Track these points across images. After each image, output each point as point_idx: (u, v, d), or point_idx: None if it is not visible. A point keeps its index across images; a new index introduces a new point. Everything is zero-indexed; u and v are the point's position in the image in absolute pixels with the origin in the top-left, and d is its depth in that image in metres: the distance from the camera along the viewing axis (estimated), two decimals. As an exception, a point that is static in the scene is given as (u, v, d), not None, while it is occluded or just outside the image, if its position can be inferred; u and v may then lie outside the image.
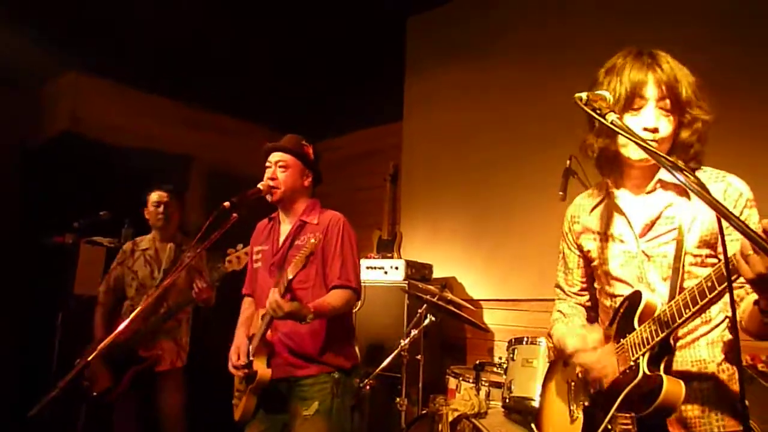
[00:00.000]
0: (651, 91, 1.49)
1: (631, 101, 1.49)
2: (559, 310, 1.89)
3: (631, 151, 1.53)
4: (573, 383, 1.72)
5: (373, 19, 5.05)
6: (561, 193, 3.16)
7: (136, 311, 2.04)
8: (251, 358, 2.38)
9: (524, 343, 3.11)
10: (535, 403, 2.86)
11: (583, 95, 1.26)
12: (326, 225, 2.53)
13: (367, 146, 5.81)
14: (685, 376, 1.46)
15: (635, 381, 1.42)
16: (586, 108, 1.25)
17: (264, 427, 2.43)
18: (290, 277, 2.20)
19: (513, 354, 3.10)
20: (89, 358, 1.81)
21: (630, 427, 1.06)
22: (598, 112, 1.24)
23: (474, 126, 4.80)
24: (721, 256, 1.45)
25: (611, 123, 1.21)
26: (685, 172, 1.08)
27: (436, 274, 4.68)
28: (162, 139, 5.30)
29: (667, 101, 1.50)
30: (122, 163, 4.49)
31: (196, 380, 3.65)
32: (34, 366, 3.72)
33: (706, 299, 1.26)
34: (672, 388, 1.35)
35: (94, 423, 3.34)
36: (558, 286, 1.92)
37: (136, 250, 3.67)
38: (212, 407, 3.24)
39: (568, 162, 3.18)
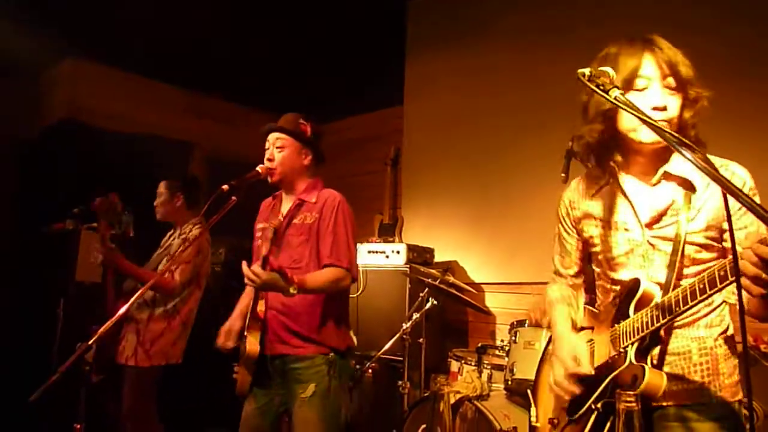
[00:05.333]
0: (653, 71, 1.46)
1: (630, 82, 1.45)
2: (558, 291, 1.86)
3: (642, 134, 1.47)
4: None
5: (374, 3, 5.00)
6: (563, 174, 3.10)
7: (133, 298, 2.03)
8: (245, 334, 2.39)
9: (526, 325, 3.11)
10: (538, 385, 2.89)
11: (586, 71, 1.24)
12: (323, 203, 2.52)
13: (368, 130, 5.78)
14: (685, 351, 1.50)
15: (620, 368, 1.45)
16: (589, 84, 1.22)
17: (261, 402, 2.46)
18: (264, 252, 2.19)
19: (515, 337, 3.11)
20: (89, 342, 1.81)
21: (633, 404, 1.06)
22: (602, 87, 1.22)
23: (475, 109, 4.77)
24: (725, 244, 1.48)
25: (615, 99, 1.18)
26: (696, 153, 1.04)
27: (438, 258, 4.67)
28: (162, 126, 5.28)
29: (671, 79, 1.46)
30: (122, 149, 4.47)
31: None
32: (36, 352, 3.73)
33: (706, 294, 1.25)
34: (653, 379, 1.38)
35: (94, 407, 3.35)
36: (555, 270, 1.90)
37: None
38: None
39: (570, 143, 3.14)
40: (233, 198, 2.27)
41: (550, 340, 1.91)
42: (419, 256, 4.46)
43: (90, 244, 3.66)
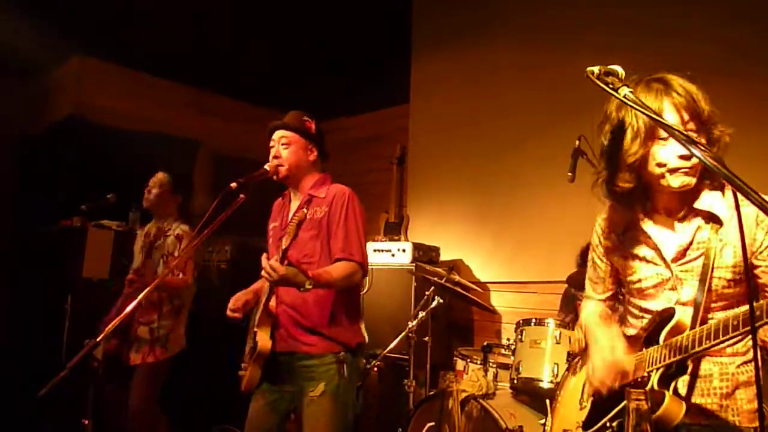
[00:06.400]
0: (674, 118, 1.45)
1: (652, 132, 1.45)
2: (592, 308, 1.86)
3: (672, 181, 1.48)
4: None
5: (379, 2, 4.99)
6: (570, 174, 3.11)
7: (140, 296, 2.02)
8: (255, 329, 2.38)
9: (532, 324, 3.11)
10: (543, 384, 2.89)
11: (595, 69, 1.23)
12: (332, 198, 2.50)
13: (375, 129, 5.78)
14: (707, 374, 1.51)
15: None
16: (598, 82, 1.22)
17: (271, 399, 2.43)
18: (284, 246, 2.18)
19: (521, 335, 3.10)
20: (98, 339, 1.81)
21: (643, 401, 1.06)
22: (610, 86, 1.22)
23: (481, 109, 4.76)
24: (759, 281, 1.48)
25: (624, 97, 1.18)
26: (705, 152, 1.04)
27: (443, 256, 4.67)
28: (168, 123, 5.28)
29: (692, 124, 1.46)
30: (129, 147, 4.48)
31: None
32: (44, 348, 3.75)
33: (726, 337, 1.28)
34: (672, 407, 1.39)
35: (103, 403, 3.37)
36: (588, 296, 1.90)
37: (140, 235, 3.70)
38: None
39: (577, 142, 3.13)
40: (241, 196, 2.26)
41: (583, 351, 1.90)
42: (425, 254, 4.46)
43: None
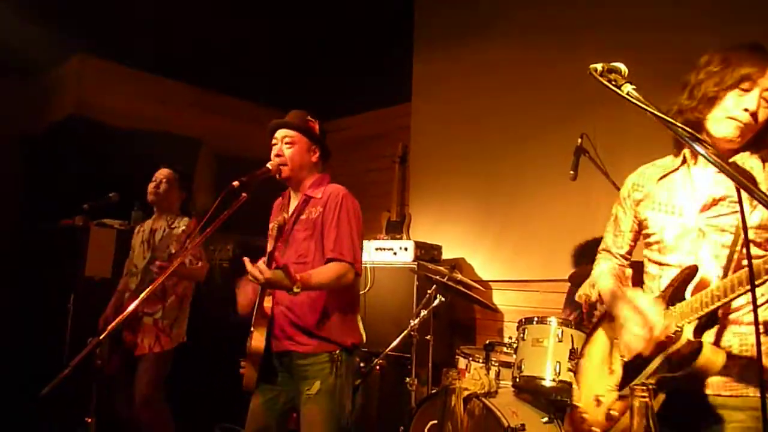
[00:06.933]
0: (763, 80, 1.54)
1: (740, 82, 1.54)
2: (605, 265, 1.93)
3: (720, 125, 1.56)
4: (616, 340, 1.78)
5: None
6: (572, 172, 3.12)
7: (146, 291, 2.02)
8: (252, 329, 2.40)
9: (534, 322, 3.10)
10: (546, 383, 2.88)
11: (598, 66, 1.24)
12: (326, 198, 2.50)
13: (377, 127, 5.77)
14: (727, 346, 1.54)
15: (677, 344, 1.49)
16: (601, 79, 1.23)
17: (268, 397, 2.45)
18: (269, 250, 2.18)
19: (523, 334, 3.10)
20: (101, 338, 1.81)
21: (647, 399, 1.06)
22: (614, 83, 1.22)
23: (482, 107, 4.76)
24: None
25: (627, 94, 1.19)
26: (708, 149, 1.07)
27: (445, 255, 4.67)
28: (169, 122, 5.28)
29: None
30: (130, 146, 4.49)
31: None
32: (46, 348, 3.76)
33: (761, 281, 1.31)
34: (711, 355, 1.42)
35: (106, 402, 3.37)
36: (605, 248, 1.97)
37: (140, 230, 3.70)
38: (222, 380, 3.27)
39: (579, 140, 3.14)
40: (243, 195, 2.26)
41: (601, 319, 1.93)
42: (427, 253, 4.46)
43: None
